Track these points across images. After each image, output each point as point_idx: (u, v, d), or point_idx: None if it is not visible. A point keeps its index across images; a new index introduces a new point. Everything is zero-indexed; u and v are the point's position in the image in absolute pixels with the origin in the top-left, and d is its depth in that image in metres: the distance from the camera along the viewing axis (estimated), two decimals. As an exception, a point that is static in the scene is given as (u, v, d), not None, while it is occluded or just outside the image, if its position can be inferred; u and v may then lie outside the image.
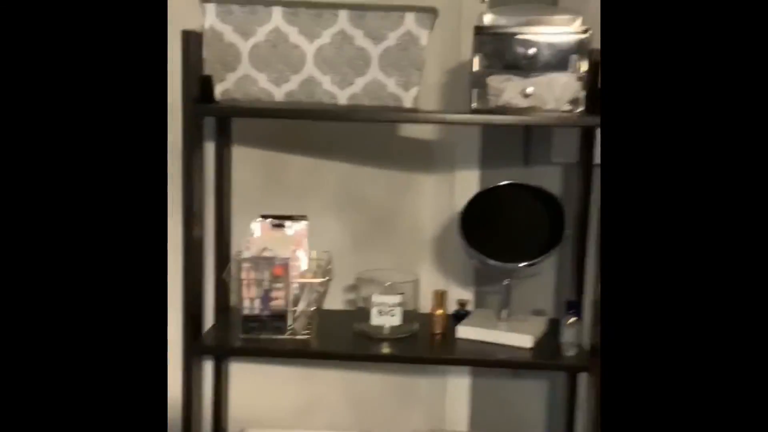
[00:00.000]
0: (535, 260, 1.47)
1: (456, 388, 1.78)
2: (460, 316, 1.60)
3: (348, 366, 1.79)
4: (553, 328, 1.54)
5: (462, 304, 1.62)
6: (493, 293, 1.65)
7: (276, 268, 1.46)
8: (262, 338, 1.47)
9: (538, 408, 1.79)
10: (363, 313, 1.54)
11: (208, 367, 1.69)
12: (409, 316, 1.54)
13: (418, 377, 1.79)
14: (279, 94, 1.40)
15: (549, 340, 1.51)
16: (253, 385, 1.79)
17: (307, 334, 1.49)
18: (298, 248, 1.55)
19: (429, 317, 1.55)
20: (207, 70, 1.43)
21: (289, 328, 1.48)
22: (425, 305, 1.63)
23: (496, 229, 1.53)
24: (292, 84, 1.39)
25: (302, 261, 1.56)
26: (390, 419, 1.80)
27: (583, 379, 1.62)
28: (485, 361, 1.46)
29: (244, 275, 1.46)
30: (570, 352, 1.43)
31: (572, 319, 1.43)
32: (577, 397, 1.64)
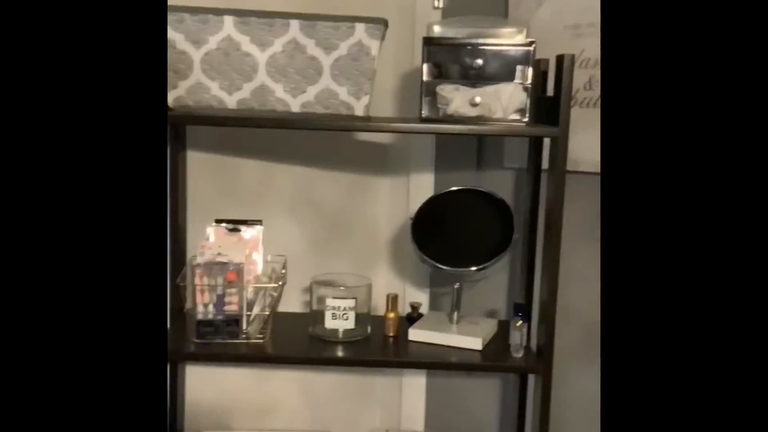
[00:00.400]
0: (485, 264, 1.51)
1: (411, 388, 1.81)
2: (412, 318, 1.63)
3: (304, 367, 1.81)
4: (505, 329, 1.58)
5: (414, 307, 1.66)
6: (448, 294, 1.69)
7: (229, 274, 1.47)
8: (216, 343, 1.48)
9: (491, 406, 1.83)
10: (317, 316, 1.56)
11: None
12: (363, 319, 1.57)
13: (374, 377, 1.82)
14: (231, 101, 1.41)
15: (499, 341, 1.55)
16: (210, 387, 1.80)
17: (262, 338, 1.51)
18: (253, 252, 1.57)
19: (382, 320, 1.58)
20: (159, 78, 1.44)
21: (243, 332, 1.50)
22: (381, 307, 1.66)
23: (449, 233, 1.57)
24: (245, 92, 1.41)
25: (258, 265, 1.58)
26: (347, 419, 1.83)
27: (532, 379, 1.67)
28: (436, 364, 1.49)
29: (197, 280, 1.47)
30: (518, 354, 1.47)
31: (519, 322, 1.46)
32: (527, 396, 1.69)
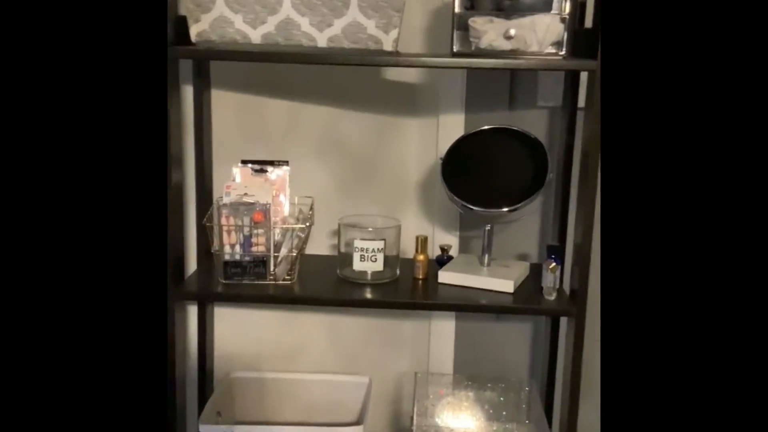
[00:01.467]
0: (517, 205, 1.47)
1: (440, 332, 1.80)
2: (442, 261, 1.60)
3: (332, 310, 1.80)
4: (537, 272, 1.55)
5: (444, 249, 1.62)
6: (478, 238, 1.65)
7: (256, 214, 1.45)
8: (244, 284, 1.47)
9: (521, 350, 1.81)
10: (345, 259, 1.54)
11: (192, 312, 1.71)
12: (392, 261, 1.54)
13: (402, 321, 1.81)
14: (255, 36, 1.36)
15: (531, 284, 1.52)
16: (238, 330, 1.80)
17: (289, 279, 1.50)
18: (280, 193, 1.54)
19: (411, 263, 1.56)
20: (181, 11, 1.39)
21: (270, 273, 1.49)
22: (409, 250, 1.63)
23: (480, 174, 1.52)
24: (269, 26, 1.36)
25: (284, 206, 1.55)
26: (375, 362, 1.83)
27: (565, 323, 1.64)
28: (467, 306, 1.46)
29: (224, 221, 1.45)
30: (550, 297, 1.44)
31: (552, 264, 1.43)
32: (558, 341, 1.66)
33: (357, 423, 1.53)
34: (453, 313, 1.78)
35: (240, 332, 1.80)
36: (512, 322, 1.80)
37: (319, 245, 1.73)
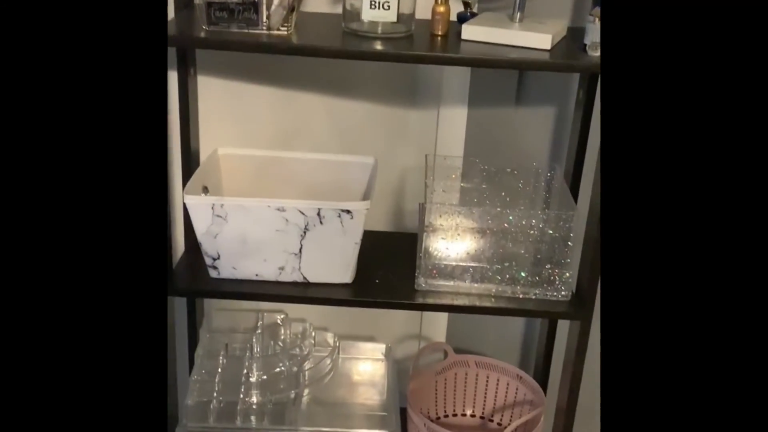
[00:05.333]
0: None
1: (450, 120, 1.59)
2: (464, 18, 1.36)
3: (331, 91, 1.59)
4: (575, 34, 1.32)
5: (467, 4, 1.38)
6: None
7: (246, -58, 1.19)
8: (232, 32, 1.24)
9: (541, 140, 1.63)
10: (352, 14, 1.30)
11: (173, 81, 1.47)
12: (406, 18, 1.30)
13: (408, 110, 1.60)
14: None
15: (570, 44, 1.30)
16: (227, 106, 1.59)
17: (285, 29, 1.26)
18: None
19: (428, 22, 1.32)
20: None
21: (263, 21, 1.25)
22: (426, 12, 1.39)
23: None
24: None
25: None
26: (377, 150, 1.63)
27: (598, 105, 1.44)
28: (494, 61, 1.24)
29: (207, -51, 1.19)
30: (595, 53, 1.22)
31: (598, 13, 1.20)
32: (591, 123, 1.46)
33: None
34: (465, 99, 1.57)
35: (227, 109, 1.59)
36: (533, 106, 1.60)
37: (320, 3, 1.48)
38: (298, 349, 1.59)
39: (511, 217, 1.40)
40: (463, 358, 1.67)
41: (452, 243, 1.40)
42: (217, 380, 1.48)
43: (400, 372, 1.68)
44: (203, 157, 1.53)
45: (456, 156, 1.58)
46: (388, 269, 1.47)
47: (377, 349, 1.71)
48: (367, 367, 1.67)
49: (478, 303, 1.38)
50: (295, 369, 1.52)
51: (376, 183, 1.45)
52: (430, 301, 1.39)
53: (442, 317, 1.77)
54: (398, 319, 1.78)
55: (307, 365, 1.55)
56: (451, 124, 1.61)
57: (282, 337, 1.62)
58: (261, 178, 1.52)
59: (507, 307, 1.38)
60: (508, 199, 1.54)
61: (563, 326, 1.57)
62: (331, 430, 1.49)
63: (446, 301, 1.39)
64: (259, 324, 1.61)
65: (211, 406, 1.45)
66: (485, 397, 1.69)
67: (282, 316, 1.64)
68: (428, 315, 1.77)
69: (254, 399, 1.48)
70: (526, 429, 1.52)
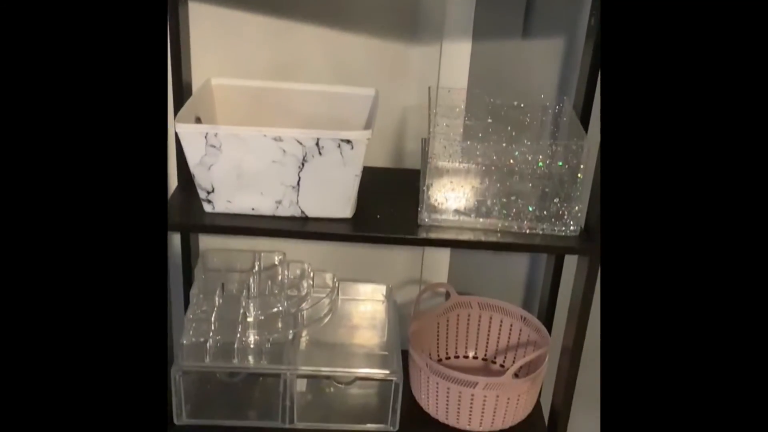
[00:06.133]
0: None
1: (453, 55, 1.53)
2: (472, -64, 1.29)
3: (328, 21, 1.52)
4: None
5: None
6: None
7: None
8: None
9: (550, 73, 1.56)
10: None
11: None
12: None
13: (408, 46, 1.53)
14: None
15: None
16: (220, 36, 1.51)
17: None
18: None
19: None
20: None
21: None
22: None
23: None
24: None
25: None
26: (377, 86, 1.57)
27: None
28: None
29: None
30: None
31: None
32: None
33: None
34: (469, 33, 1.50)
35: (221, 40, 1.52)
36: (541, 38, 1.53)
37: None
38: (296, 290, 1.54)
39: (517, 153, 1.34)
40: (466, 299, 1.63)
41: (456, 177, 1.34)
42: (213, 319, 1.44)
43: (401, 316, 1.65)
44: (195, 87, 1.46)
45: (460, 88, 1.51)
46: (389, 205, 1.41)
47: (377, 290, 1.66)
48: (367, 308, 1.63)
49: (483, 238, 1.33)
50: (293, 309, 1.48)
51: (377, 117, 1.39)
52: (434, 236, 1.33)
53: (444, 259, 1.72)
54: (399, 260, 1.74)
55: (305, 305, 1.51)
56: (455, 58, 1.54)
57: (280, 278, 1.57)
58: (256, 110, 1.45)
59: (513, 242, 1.33)
60: (514, 133, 1.48)
61: (569, 266, 1.52)
62: (331, 370, 1.45)
63: (450, 236, 1.33)
64: (256, 264, 1.57)
65: (208, 346, 1.41)
66: (488, 338, 1.65)
67: (280, 257, 1.59)
68: (430, 257, 1.72)
69: (251, 338, 1.44)
70: (530, 370, 1.49)
